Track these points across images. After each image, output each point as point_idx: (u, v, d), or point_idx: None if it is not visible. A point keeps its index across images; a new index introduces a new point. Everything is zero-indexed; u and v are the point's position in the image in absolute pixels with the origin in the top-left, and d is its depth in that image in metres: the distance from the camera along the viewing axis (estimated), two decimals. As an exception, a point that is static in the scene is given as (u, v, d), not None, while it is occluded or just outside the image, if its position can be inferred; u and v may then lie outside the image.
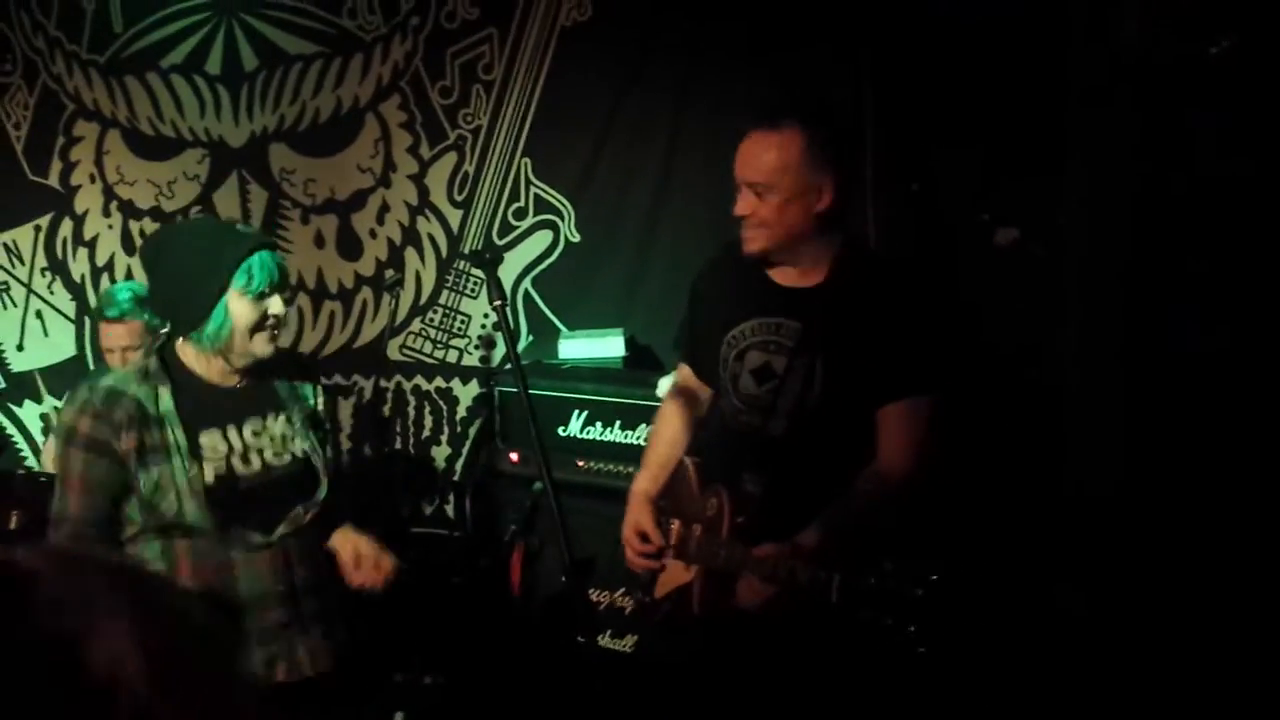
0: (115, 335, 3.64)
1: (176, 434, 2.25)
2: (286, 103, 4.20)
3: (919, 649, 1.85)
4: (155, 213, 4.32)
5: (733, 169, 2.32)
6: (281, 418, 2.41)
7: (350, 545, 2.44)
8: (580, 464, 3.50)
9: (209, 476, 2.26)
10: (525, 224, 4.11)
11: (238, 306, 2.25)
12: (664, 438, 2.61)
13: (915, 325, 2.29)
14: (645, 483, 2.56)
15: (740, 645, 2.31)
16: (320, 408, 2.52)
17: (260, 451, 2.36)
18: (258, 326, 2.28)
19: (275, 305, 2.30)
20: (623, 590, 2.68)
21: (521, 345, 4.06)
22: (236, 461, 2.32)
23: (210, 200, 4.29)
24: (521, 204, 4.10)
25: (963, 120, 3.50)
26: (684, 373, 2.65)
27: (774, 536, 2.18)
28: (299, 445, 2.42)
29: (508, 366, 4.08)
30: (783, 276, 2.37)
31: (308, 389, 2.50)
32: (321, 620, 2.40)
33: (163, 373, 2.29)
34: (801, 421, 2.30)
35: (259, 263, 2.26)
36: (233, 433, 2.33)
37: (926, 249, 3.55)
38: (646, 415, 3.38)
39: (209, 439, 2.30)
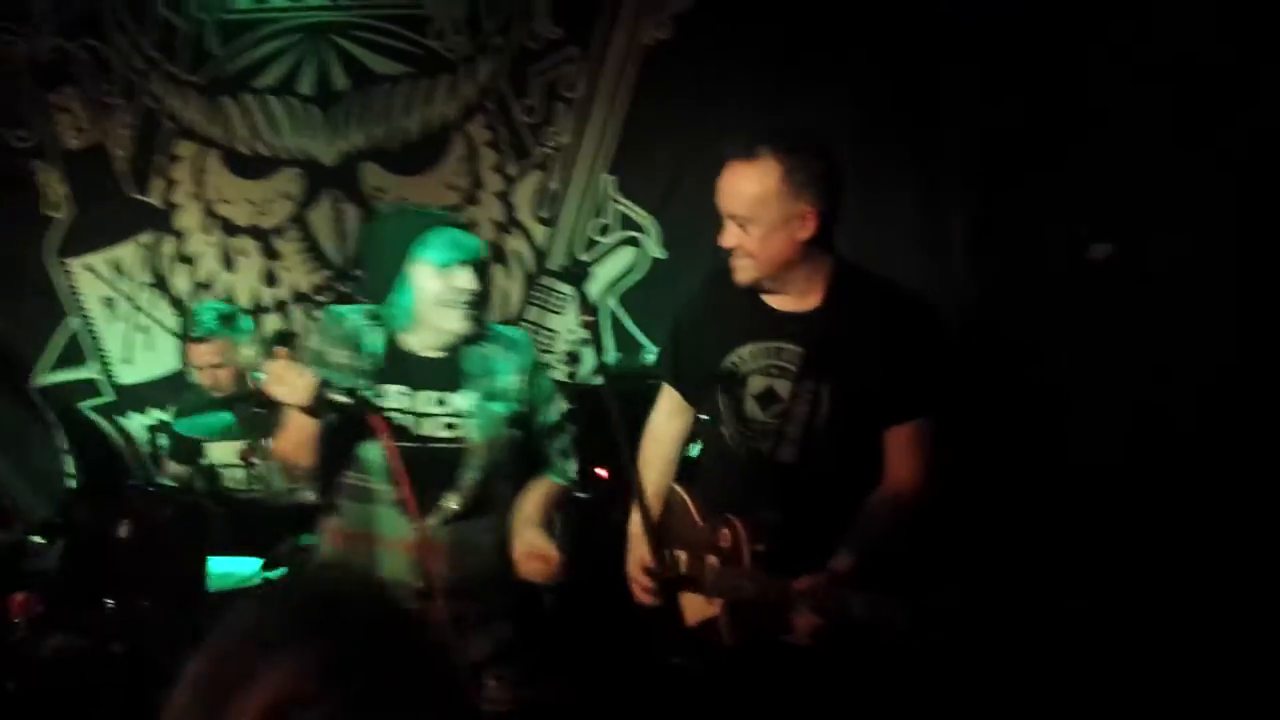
0: (200, 354, 3.79)
1: (366, 365, 2.41)
2: (376, 122, 4.31)
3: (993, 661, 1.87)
4: (252, 230, 4.46)
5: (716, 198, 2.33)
6: (461, 395, 2.44)
7: (519, 539, 2.45)
8: (602, 472, 3.54)
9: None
10: (610, 240, 4.17)
11: (422, 280, 2.37)
12: (653, 466, 2.56)
13: (916, 347, 2.31)
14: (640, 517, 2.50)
15: (790, 675, 2.29)
16: (515, 383, 2.48)
17: (428, 419, 2.43)
18: (446, 301, 2.38)
19: (463, 279, 2.38)
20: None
21: (607, 360, 4.11)
22: (407, 421, 2.40)
23: (304, 218, 4.42)
24: (606, 221, 4.17)
25: (1054, 136, 3.47)
26: (669, 398, 2.60)
27: (795, 563, 2.18)
28: (469, 426, 2.43)
29: (594, 381, 4.15)
30: (778, 301, 2.38)
31: (505, 364, 2.49)
32: (467, 623, 2.41)
33: (378, 318, 2.45)
34: (811, 445, 2.31)
35: (443, 237, 2.38)
36: (420, 395, 2.43)
37: (1015, 266, 3.53)
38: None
39: (393, 391, 2.42)
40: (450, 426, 2.44)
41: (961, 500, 3.10)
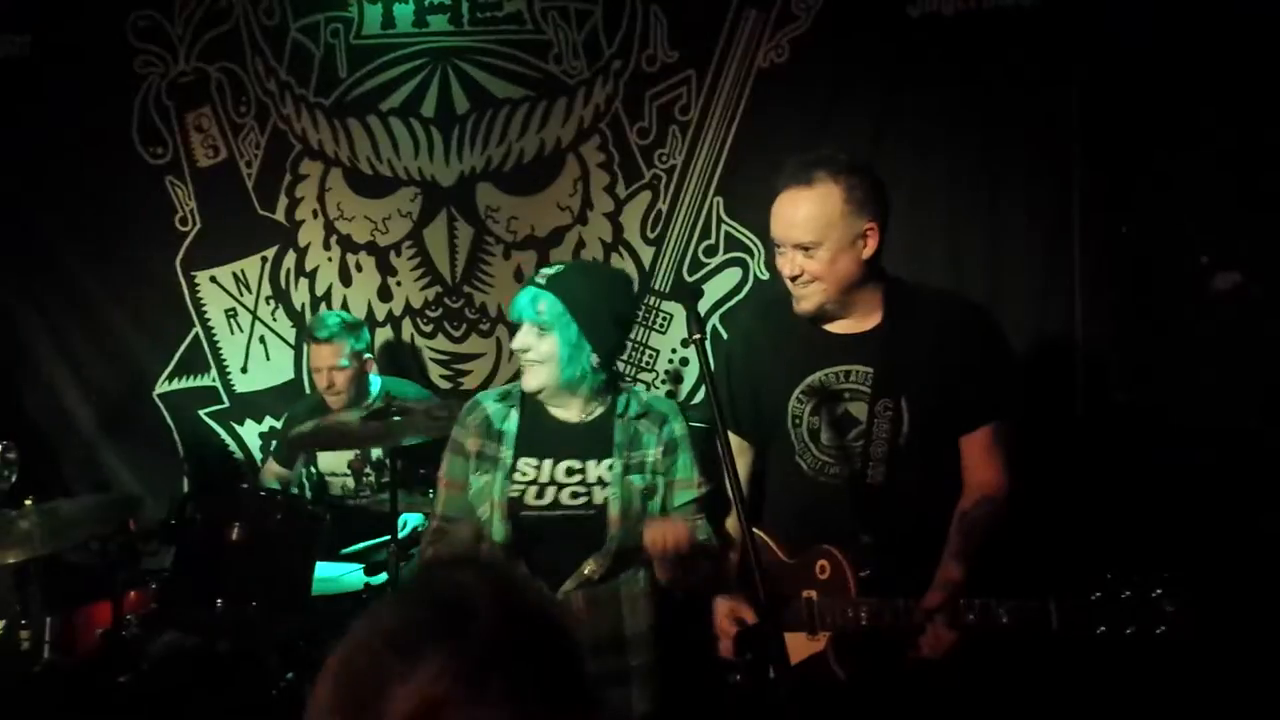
0: (322, 355, 3.93)
1: (506, 452, 2.46)
2: (494, 144, 4.41)
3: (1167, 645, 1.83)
4: (370, 247, 4.59)
5: (771, 230, 2.35)
6: (604, 465, 2.47)
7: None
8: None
9: (508, 496, 2.43)
10: (716, 261, 4.18)
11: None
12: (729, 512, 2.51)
13: (978, 351, 2.34)
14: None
15: (927, 693, 2.26)
16: (657, 458, 2.48)
17: (560, 488, 2.46)
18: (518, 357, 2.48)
19: (517, 339, 2.46)
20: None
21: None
22: (531, 492, 2.45)
23: (420, 236, 4.53)
24: (712, 241, 4.18)
25: (1179, 158, 3.39)
26: (736, 438, 2.51)
27: (898, 583, 2.18)
28: (602, 495, 2.46)
29: (694, 401, 4.15)
30: (838, 326, 2.39)
31: (650, 438, 2.50)
32: (607, 682, 2.41)
33: (519, 397, 2.52)
34: (897, 462, 2.32)
35: (515, 299, 2.48)
36: (547, 466, 2.47)
37: (1137, 293, 3.44)
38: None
39: (525, 465, 2.47)
40: (581, 495, 2.47)
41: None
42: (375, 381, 4.17)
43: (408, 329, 4.58)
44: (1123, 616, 1.87)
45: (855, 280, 2.32)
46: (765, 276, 4.11)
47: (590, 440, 2.49)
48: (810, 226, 2.27)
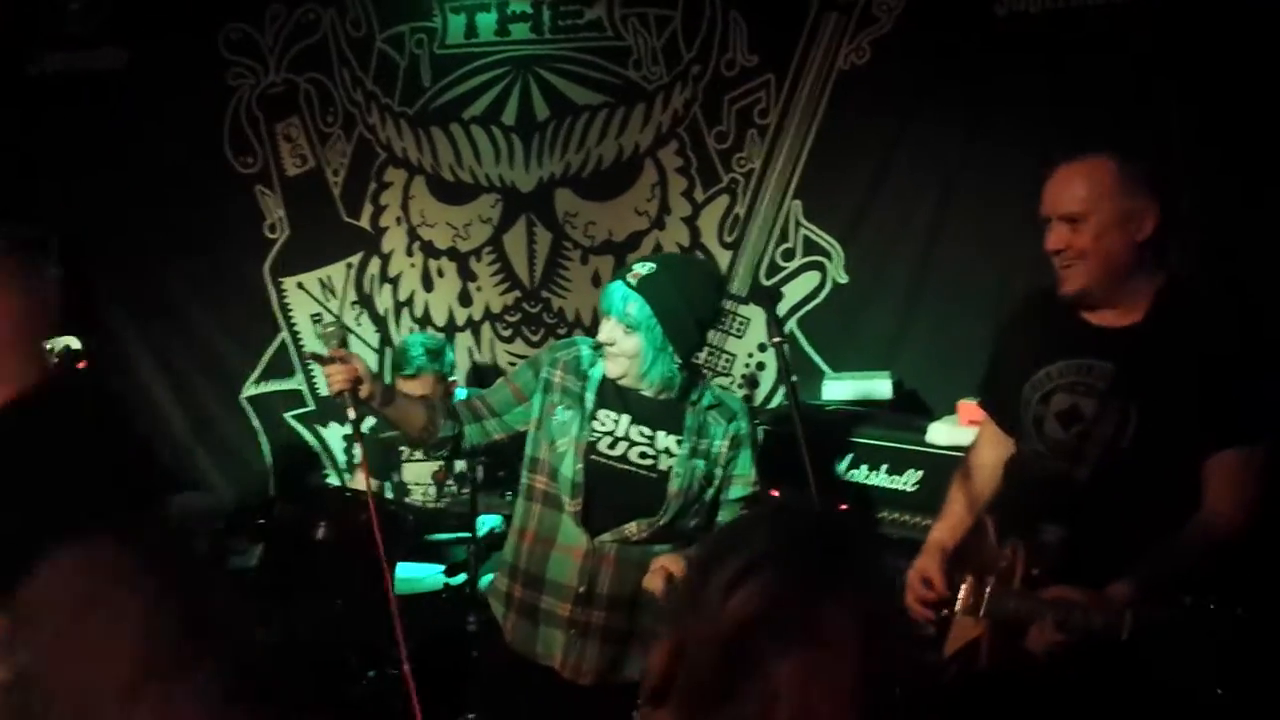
0: (411, 388, 3.94)
1: (590, 395, 2.57)
2: (573, 150, 4.44)
3: (1218, 689, 1.73)
4: (451, 253, 4.65)
5: (1040, 209, 2.23)
6: (673, 438, 2.57)
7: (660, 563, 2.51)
8: (843, 507, 3.47)
9: (586, 439, 2.54)
10: (793, 265, 4.15)
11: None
12: (963, 490, 2.51)
13: (1245, 368, 2.15)
14: (941, 532, 2.46)
15: (1029, 694, 2.19)
16: (722, 450, 2.58)
17: (632, 445, 2.56)
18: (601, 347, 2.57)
19: (603, 331, 2.55)
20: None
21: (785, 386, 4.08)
22: (605, 440, 2.55)
23: (500, 242, 4.58)
24: (790, 245, 4.15)
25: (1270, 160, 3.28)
26: (986, 427, 2.55)
27: (1077, 584, 2.08)
28: (667, 463, 2.55)
29: (770, 405, 4.12)
30: (1097, 317, 2.26)
31: (718, 430, 2.59)
32: (607, 639, 2.50)
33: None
34: (1110, 468, 2.19)
35: (607, 290, 2.57)
36: (624, 421, 2.58)
37: (1255, 288, 3.31)
38: (914, 460, 3.33)
39: (605, 415, 2.58)
40: (649, 457, 2.55)
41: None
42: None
43: (487, 334, 4.63)
44: (1185, 644, 1.82)
45: (1126, 263, 2.17)
46: (844, 280, 4.07)
47: (664, 414, 2.57)
48: (1078, 197, 2.16)
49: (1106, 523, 2.17)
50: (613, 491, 2.53)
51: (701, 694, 1.05)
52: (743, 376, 4.24)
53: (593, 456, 2.54)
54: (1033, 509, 2.26)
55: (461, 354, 4.59)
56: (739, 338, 4.25)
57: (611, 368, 2.56)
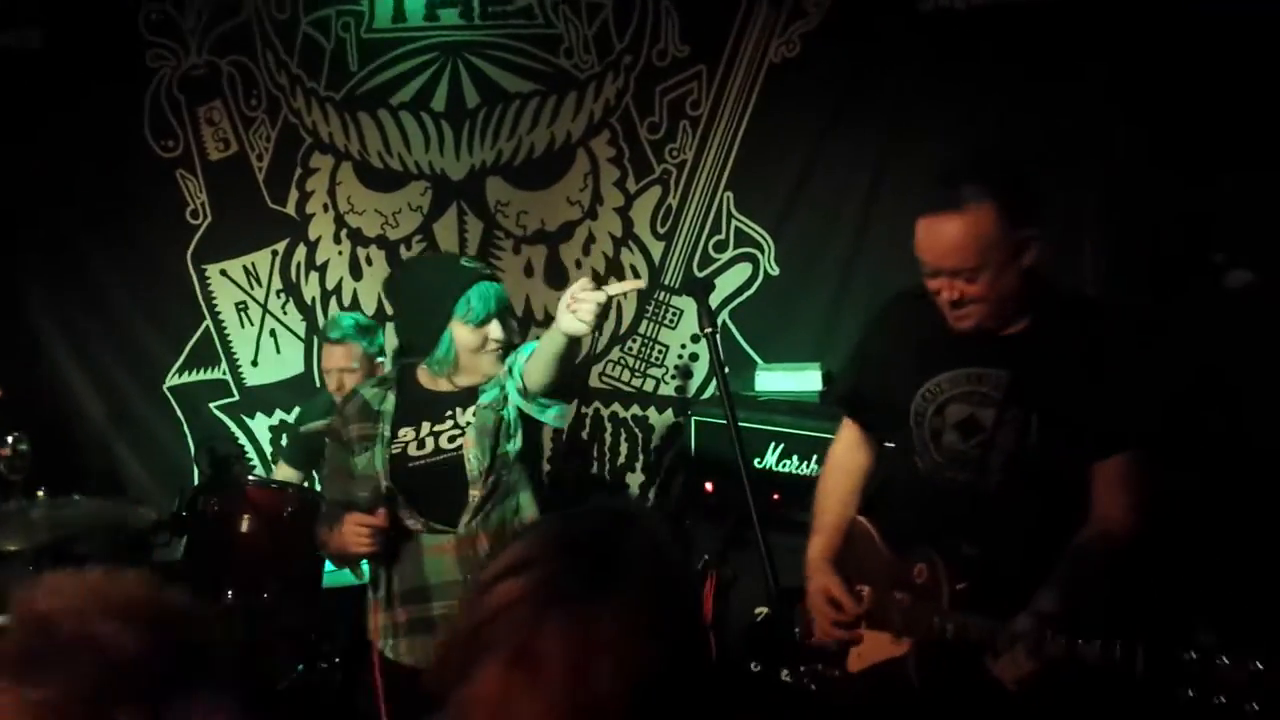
0: (334, 357, 3.90)
1: (384, 428, 2.62)
2: (504, 138, 4.41)
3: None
4: (380, 241, 4.59)
5: (918, 252, 2.15)
6: (469, 409, 2.61)
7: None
8: (775, 497, 3.50)
9: (391, 454, 2.59)
10: (725, 256, 4.17)
11: (460, 334, 2.58)
12: (836, 497, 2.48)
13: (1132, 373, 2.15)
14: (822, 547, 2.42)
15: (991, 714, 2.15)
16: (499, 415, 2.60)
17: (437, 436, 2.60)
18: (481, 349, 2.59)
19: (494, 330, 2.58)
20: (801, 668, 2.46)
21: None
22: (411, 447, 2.59)
23: (430, 230, 4.53)
24: (722, 237, 4.17)
25: (1195, 156, 3.36)
26: (849, 430, 2.52)
27: (994, 602, 2.06)
28: (469, 432, 2.58)
29: (703, 396, 4.15)
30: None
31: (496, 382, 2.62)
32: None
33: (394, 380, 2.71)
34: (1017, 477, 2.18)
35: (478, 294, 2.56)
36: (426, 425, 2.62)
37: (1151, 290, 3.41)
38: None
39: (403, 431, 2.62)
40: (457, 438, 2.60)
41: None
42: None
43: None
44: (1213, 683, 1.73)
45: (1018, 290, 2.14)
46: (775, 272, 4.11)
47: (462, 399, 2.64)
48: (969, 253, 2.08)
49: (1017, 534, 2.16)
50: (440, 484, 2.56)
51: (441, 682, 1.04)
52: (676, 367, 4.26)
53: (408, 465, 2.58)
54: (938, 522, 2.22)
55: (392, 344, 4.53)
56: (672, 329, 4.27)
57: (497, 364, 2.62)
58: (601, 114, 4.29)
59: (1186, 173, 3.38)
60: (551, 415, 2.58)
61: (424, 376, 2.69)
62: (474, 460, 2.55)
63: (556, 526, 1.15)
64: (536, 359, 2.45)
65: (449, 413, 2.62)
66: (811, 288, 4.06)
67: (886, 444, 2.46)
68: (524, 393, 2.53)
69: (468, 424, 2.59)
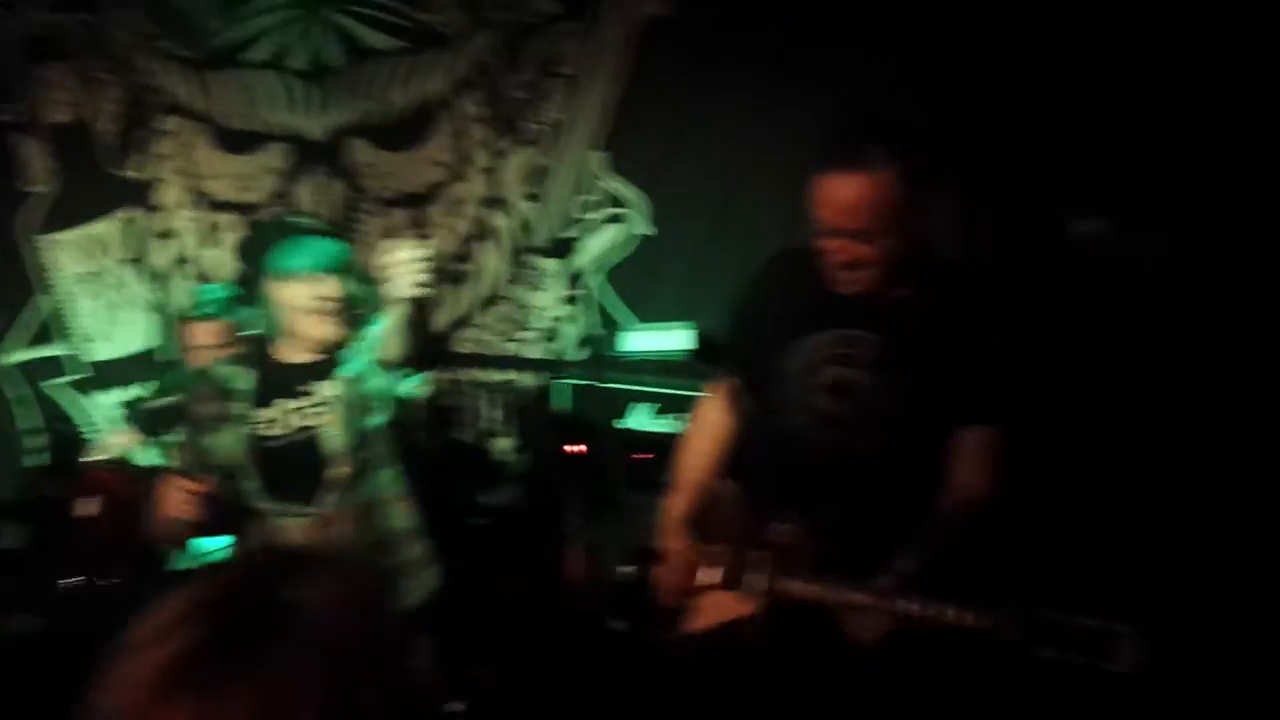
0: (201, 334, 3.68)
1: (242, 407, 2.48)
2: (366, 98, 4.24)
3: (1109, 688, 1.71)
4: (236, 207, 4.36)
5: (815, 213, 2.09)
6: (329, 384, 2.47)
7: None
8: (646, 456, 3.39)
9: (252, 439, 2.46)
10: (597, 217, 4.06)
11: (282, 292, 2.44)
12: (701, 456, 2.41)
13: (1000, 349, 2.14)
14: (680, 505, 2.36)
15: (840, 680, 2.13)
16: (360, 390, 2.48)
17: (294, 413, 2.47)
18: (308, 309, 2.43)
19: (322, 288, 2.43)
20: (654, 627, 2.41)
21: (592, 337, 4.00)
22: (271, 427, 2.47)
23: (290, 194, 4.32)
24: (594, 197, 4.06)
25: (1045, 110, 3.38)
26: (725, 388, 2.44)
27: (854, 564, 2.04)
28: (332, 407, 2.46)
29: (572, 358, 4.03)
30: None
31: (355, 364, 2.48)
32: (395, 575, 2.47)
33: (253, 357, 2.55)
34: (883, 441, 2.16)
35: (295, 248, 2.44)
36: (282, 403, 2.48)
37: (1003, 243, 3.42)
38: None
39: (263, 411, 2.48)
40: (309, 415, 2.48)
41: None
42: None
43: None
44: (1076, 642, 1.74)
45: (905, 257, 2.09)
46: (647, 232, 4.01)
47: (318, 372, 2.51)
48: (869, 215, 2.03)
49: (882, 496, 2.16)
50: (300, 463, 2.46)
51: None
52: (545, 330, 4.12)
53: (265, 446, 2.47)
54: (803, 483, 2.20)
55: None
56: (542, 290, 4.13)
57: (330, 330, 2.47)
58: (469, 73, 4.15)
59: (1037, 125, 3.39)
60: (411, 385, 2.50)
61: (279, 349, 2.54)
62: (334, 437, 2.44)
63: (203, 581, 0.94)
64: (385, 329, 2.35)
65: (304, 387, 2.49)
66: (684, 248, 3.97)
67: (758, 403, 2.39)
68: (380, 364, 2.41)
69: (328, 399, 2.47)
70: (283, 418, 2.47)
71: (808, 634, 2.09)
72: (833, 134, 2.11)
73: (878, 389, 2.14)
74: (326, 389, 2.47)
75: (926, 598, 1.92)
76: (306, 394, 2.48)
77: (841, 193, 2.03)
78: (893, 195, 2.02)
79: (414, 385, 2.50)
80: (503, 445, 4.16)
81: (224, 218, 4.37)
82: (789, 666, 2.15)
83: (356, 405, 2.46)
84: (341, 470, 2.44)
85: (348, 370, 2.47)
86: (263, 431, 2.46)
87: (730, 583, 2.21)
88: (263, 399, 2.49)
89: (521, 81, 4.10)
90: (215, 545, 3.51)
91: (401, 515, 2.56)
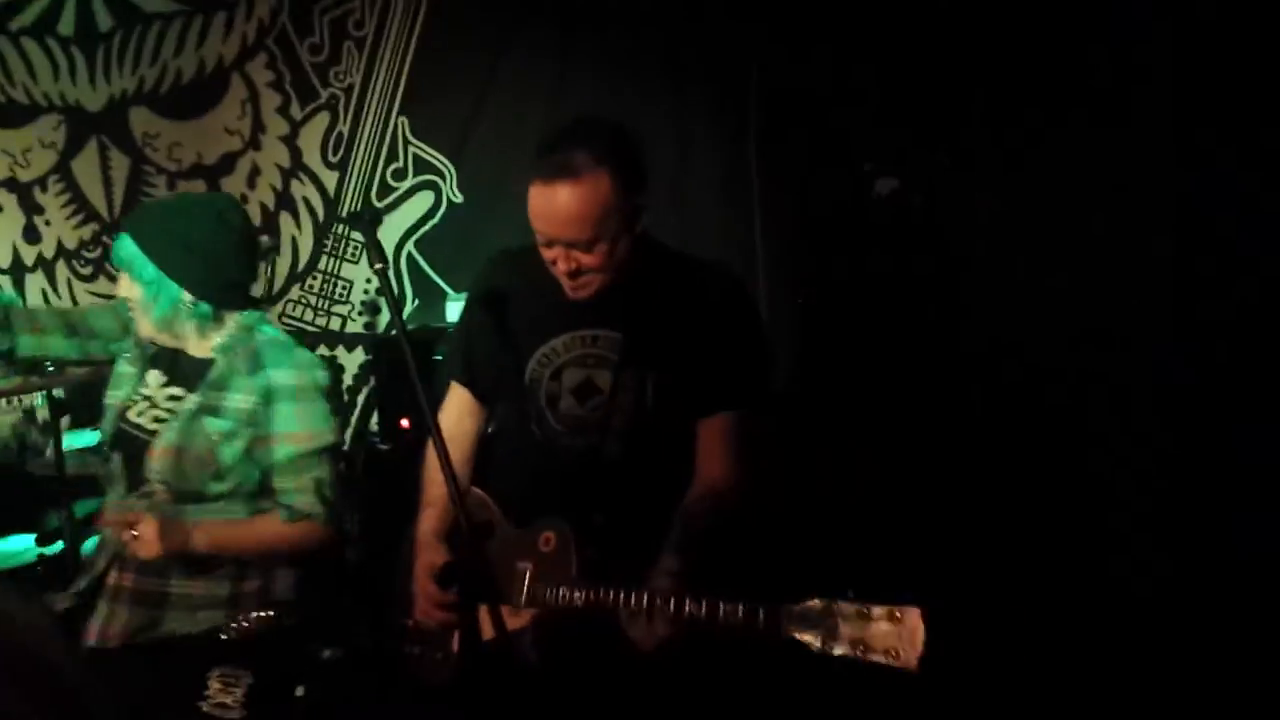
0: None
1: (140, 365, 2.38)
2: (146, 64, 4.01)
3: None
4: (10, 183, 4.09)
5: (532, 222, 2.03)
6: (196, 396, 2.31)
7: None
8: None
9: (122, 403, 2.35)
10: (405, 185, 4.01)
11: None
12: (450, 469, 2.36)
13: (729, 335, 2.16)
14: (434, 522, 2.22)
15: (620, 686, 2.09)
16: (245, 406, 2.30)
17: (153, 407, 2.35)
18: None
19: (118, 287, 2.31)
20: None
21: (407, 309, 3.98)
22: (137, 407, 2.35)
23: (68, 168, 4.08)
24: (400, 164, 4.00)
25: (848, 72, 3.53)
26: (459, 397, 2.34)
27: (625, 567, 1.98)
28: (167, 416, 2.33)
29: (394, 332, 4.00)
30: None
31: (239, 383, 2.31)
32: (139, 602, 2.28)
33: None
34: (638, 439, 2.14)
35: (113, 247, 2.31)
36: (158, 383, 2.36)
37: (810, 198, 3.58)
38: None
39: (153, 374, 2.37)
40: (162, 421, 2.32)
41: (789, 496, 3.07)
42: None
43: (63, 272, 4.14)
44: (833, 630, 1.69)
45: (630, 258, 2.07)
46: (459, 199, 3.99)
47: (195, 372, 2.35)
48: (586, 223, 1.98)
49: (643, 496, 2.14)
50: (136, 458, 2.32)
51: None
52: (362, 303, 4.07)
53: (120, 424, 2.35)
54: (560, 489, 2.15)
55: (35, 297, 4.08)
56: (354, 263, 4.07)
57: (141, 329, 2.33)
58: (256, 35, 3.98)
59: (832, 92, 3.54)
60: None
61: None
62: (157, 468, 2.29)
63: None
64: None
65: (184, 385, 2.33)
66: (496, 214, 3.96)
67: (499, 411, 2.34)
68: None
69: (166, 433, 2.29)
70: (149, 406, 2.35)
71: (580, 643, 2.05)
72: (541, 142, 2.05)
73: (624, 387, 2.12)
74: (193, 399, 2.31)
75: (709, 599, 1.83)
76: (180, 397, 2.32)
77: (555, 202, 1.98)
78: (607, 201, 1.98)
79: None
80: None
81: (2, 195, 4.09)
82: (564, 678, 2.10)
83: (206, 447, 2.29)
84: (163, 489, 2.29)
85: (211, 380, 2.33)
86: (129, 408, 2.35)
87: (501, 597, 2.08)
88: (152, 365, 2.37)
89: (313, 44, 3.97)
90: (15, 546, 3.40)
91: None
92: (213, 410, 2.28)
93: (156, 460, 2.26)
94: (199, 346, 2.35)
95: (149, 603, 2.29)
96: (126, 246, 2.25)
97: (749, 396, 2.16)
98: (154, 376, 2.37)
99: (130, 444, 2.32)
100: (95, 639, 2.24)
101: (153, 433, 2.30)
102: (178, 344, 2.36)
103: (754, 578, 1.96)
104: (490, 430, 2.35)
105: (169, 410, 2.32)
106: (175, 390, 2.34)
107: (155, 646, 2.23)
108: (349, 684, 3.29)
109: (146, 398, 2.36)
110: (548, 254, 2.05)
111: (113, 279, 4.03)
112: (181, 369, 2.36)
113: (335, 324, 4.13)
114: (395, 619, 2.27)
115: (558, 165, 1.97)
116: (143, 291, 2.26)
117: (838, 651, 1.69)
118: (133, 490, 2.31)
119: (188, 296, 2.27)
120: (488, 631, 2.08)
